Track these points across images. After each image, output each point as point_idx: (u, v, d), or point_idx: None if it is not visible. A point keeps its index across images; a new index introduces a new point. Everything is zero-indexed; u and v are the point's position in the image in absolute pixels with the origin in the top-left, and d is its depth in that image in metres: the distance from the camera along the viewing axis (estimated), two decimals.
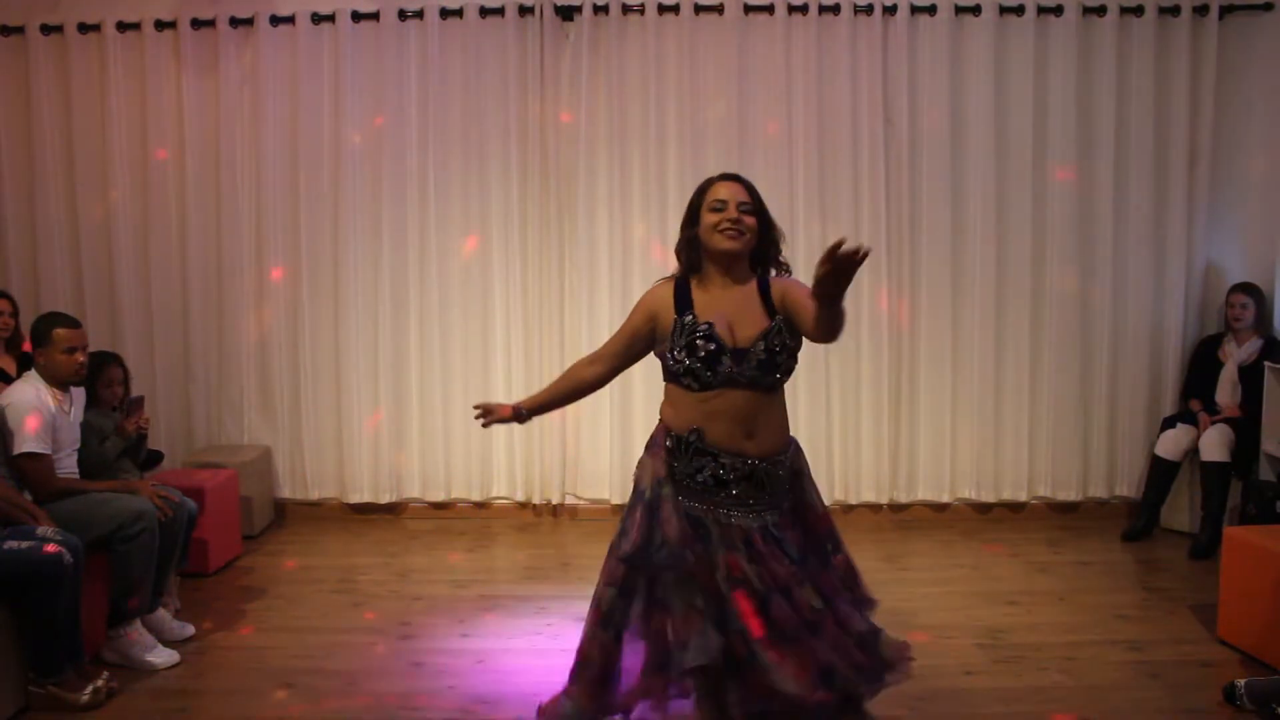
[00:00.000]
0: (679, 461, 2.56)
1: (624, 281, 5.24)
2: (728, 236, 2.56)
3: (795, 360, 2.59)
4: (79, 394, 3.96)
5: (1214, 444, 4.85)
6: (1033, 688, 3.45)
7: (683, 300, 2.59)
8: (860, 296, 5.28)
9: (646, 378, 4.89)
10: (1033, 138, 5.22)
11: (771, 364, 2.53)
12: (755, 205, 2.60)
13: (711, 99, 5.24)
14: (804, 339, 2.57)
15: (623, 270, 5.28)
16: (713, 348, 2.51)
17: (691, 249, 2.63)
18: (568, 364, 5.12)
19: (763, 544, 2.51)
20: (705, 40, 5.22)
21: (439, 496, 5.52)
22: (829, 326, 2.36)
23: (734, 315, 2.54)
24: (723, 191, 2.59)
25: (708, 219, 2.58)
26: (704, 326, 2.53)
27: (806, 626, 2.45)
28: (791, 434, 2.68)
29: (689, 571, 2.47)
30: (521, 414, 2.84)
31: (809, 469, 2.71)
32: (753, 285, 2.60)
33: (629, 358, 2.74)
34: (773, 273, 2.65)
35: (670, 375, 2.60)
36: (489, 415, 2.85)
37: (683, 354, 2.54)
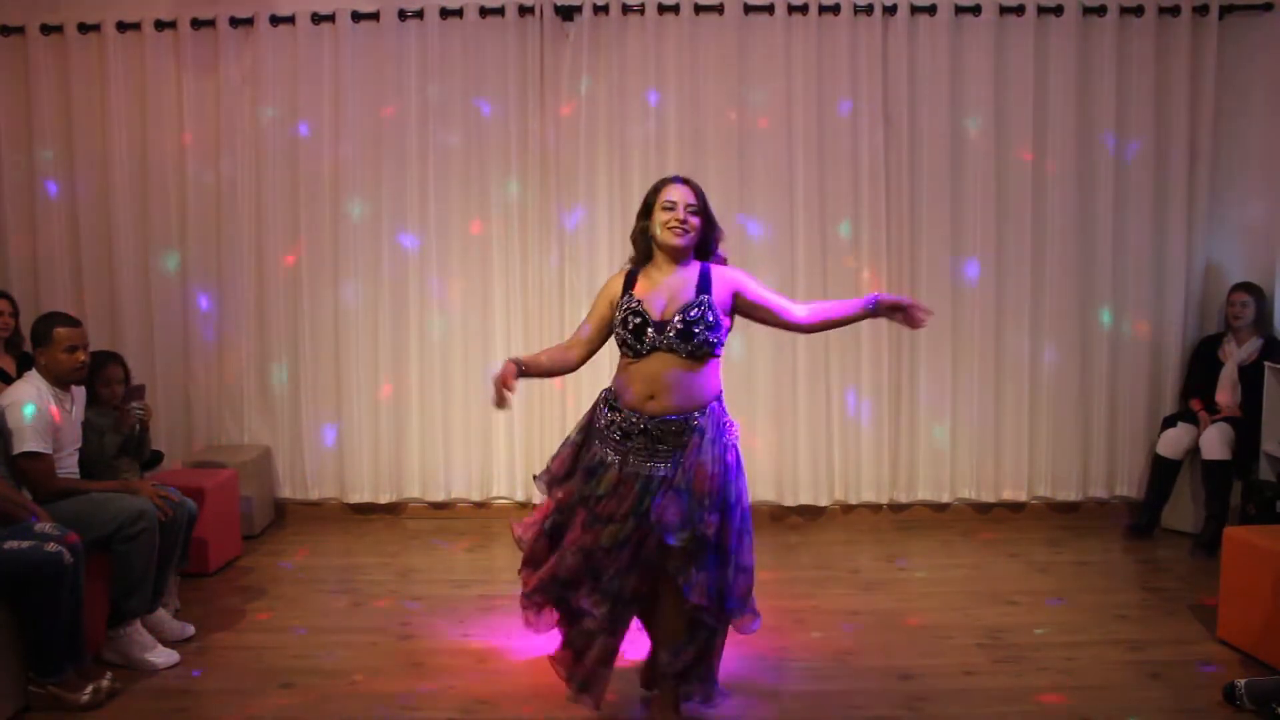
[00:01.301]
0: (601, 417, 3.05)
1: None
2: (675, 234, 2.99)
3: (718, 335, 2.97)
4: (79, 393, 3.96)
5: (1214, 442, 4.85)
6: (1033, 688, 3.45)
7: (629, 285, 3.06)
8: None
9: None
10: (1032, 138, 5.22)
11: (688, 333, 2.93)
12: (700, 206, 3.02)
13: (711, 99, 5.24)
14: (732, 323, 3.06)
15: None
16: (639, 320, 2.97)
17: (644, 238, 3.06)
18: None
19: (630, 488, 2.95)
20: (705, 40, 5.22)
21: (439, 496, 5.52)
22: (834, 327, 3.20)
23: (668, 296, 3.00)
24: (674, 193, 3.01)
25: (659, 216, 3.01)
26: (636, 303, 3.00)
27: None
28: (714, 404, 3.01)
29: (557, 502, 3.09)
30: (521, 368, 3.06)
31: (725, 437, 2.99)
32: (693, 271, 3.04)
33: (601, 341, 3.16)
34: (722, 261, 3.11)
35: (618, 344, 3.04)
36: (507, 387, 2.97)
37: (620, 327, 3.01)
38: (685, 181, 3.04)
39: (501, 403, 2.97)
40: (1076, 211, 5.26)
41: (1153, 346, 5.35)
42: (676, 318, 2.94)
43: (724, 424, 2.99)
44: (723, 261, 3.10)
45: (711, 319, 2.94)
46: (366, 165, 5.32)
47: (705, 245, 3.06)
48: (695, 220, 2.99)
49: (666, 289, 3.00)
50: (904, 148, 5.23)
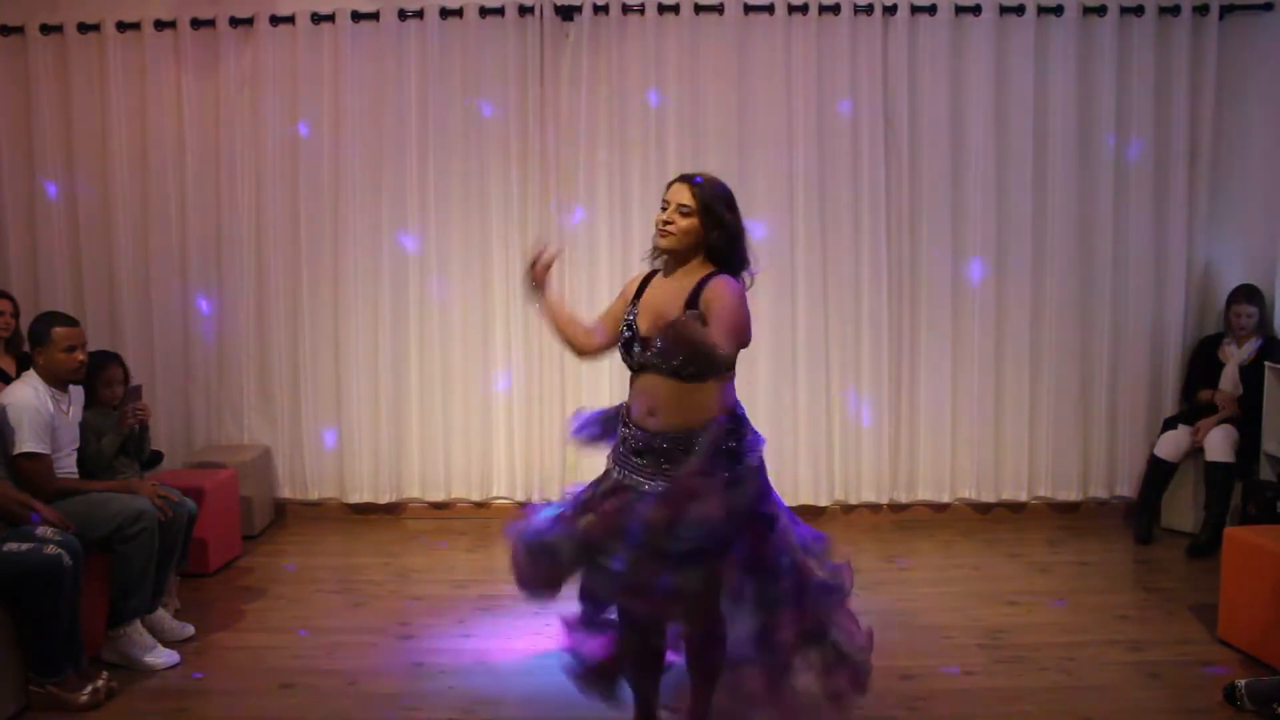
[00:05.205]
0: (620, 430, 2.84)
1: (623, 282, 5.21)
2: (660, 235, 2.79)
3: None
4: (78, 393, 3.95)
5: (1219, 444, 4.84)
6: (1033, 688, 3.45)
7: (640, 291, 2.86)
8: (861, 296, 5.29)
9: None
10: (1033, 138, 5.22)
11: (667, 352, 2.68)
12: (696, 207, 2.75)
13: (711, 99, 5.24)
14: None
15: (622, 270, 5.25)
16: (628, 335, 2.80)
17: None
18: (567, 365, 5.18)
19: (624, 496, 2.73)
20: (705, 40, 5.22)
21: (439, 496, 5.52)
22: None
23: (661, 306, 2.73)
24: (670, 193, 2.80)
25: (657, 217, 2.81)
26: (633, 315, 2.81)
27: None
28: (722, 418, 2.73)
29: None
30: (545, 289, 2.94)
31: (734, 447, 2.73)
32: (691, 281, 2.76)
33: (614, 342, 2.91)
34: (744, 272, 2.82)
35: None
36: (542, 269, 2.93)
37: (620, 336, 2.83)
38: (684, 180, 2.80)
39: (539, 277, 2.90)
40: (1076, 211, 5.26)
41: (1153, 346, 5.34)
42: (658, 336, 2.68)
43: (736, 443, 2.73)
44: (742, 266, 2.81)
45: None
46: (366, 165, 5.32)
47: (716, 250, 2.77)
48: (684, 222, 2.74)
49: (661, 300, 2.76)
50: (904, 148, 5.23)
